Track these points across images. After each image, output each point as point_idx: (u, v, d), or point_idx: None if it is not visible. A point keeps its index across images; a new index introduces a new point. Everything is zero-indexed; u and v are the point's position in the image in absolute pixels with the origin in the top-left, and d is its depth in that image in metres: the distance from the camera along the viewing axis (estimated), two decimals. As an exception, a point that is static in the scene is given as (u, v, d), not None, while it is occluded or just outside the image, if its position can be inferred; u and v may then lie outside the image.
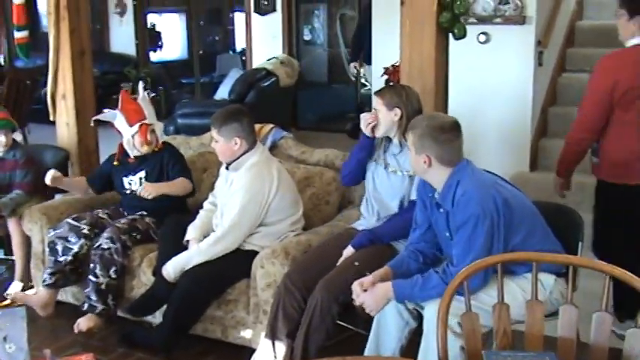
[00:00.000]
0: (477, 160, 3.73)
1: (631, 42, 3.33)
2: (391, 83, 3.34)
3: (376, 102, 3.31)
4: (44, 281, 3.90)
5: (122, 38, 10.85)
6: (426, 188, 2.94)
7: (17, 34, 4.88)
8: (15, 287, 4.26)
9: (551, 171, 3.75)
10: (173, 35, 12.70)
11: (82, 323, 3.70)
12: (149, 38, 11.14)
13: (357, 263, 3.15)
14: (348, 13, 10.18)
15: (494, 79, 5.08)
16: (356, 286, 2.86)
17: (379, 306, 2.81)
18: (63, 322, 3.90)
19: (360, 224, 3.47)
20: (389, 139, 3.35)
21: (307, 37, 10.14)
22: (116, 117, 4.02)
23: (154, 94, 10.15)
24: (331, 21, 10.99)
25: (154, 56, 11.91)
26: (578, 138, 3.46)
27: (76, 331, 3.67)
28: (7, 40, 10.14)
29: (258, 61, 9.39)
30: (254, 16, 9.71)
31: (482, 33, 5.08)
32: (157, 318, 3.69)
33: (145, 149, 3.99)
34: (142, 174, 4.01)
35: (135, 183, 4.03)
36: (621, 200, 3.40)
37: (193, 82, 11.88)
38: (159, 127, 4.06)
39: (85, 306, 3.72)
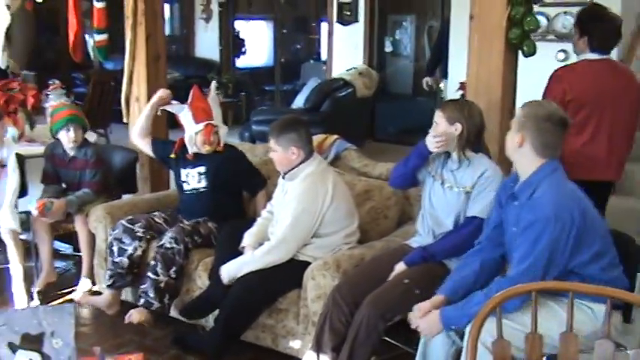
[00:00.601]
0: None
1: (581, 57, 3.85)
2: (456, 98, 3.24)
3: (438, 115, 3.24)
4: (105, 282, 4.00)
5: (207, 44, 11.08)
6: (506, 186, 2.89)
7: (97, 37, 5.02)
8: (83, 284, 4.37)
9: (632, 196, 3.56)
10: (259, 42, 12.89)
11: (135, 315, 3.75)
12: (233, 44, 11.30)
13: (406, 281, 3.10)
14: (435, 25, 10.08)
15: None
16: (415, 311, 2.86)
17: (433, 332, 2.80)
18: (121, 321, 3.98)
19: (415, 241, 3.40)
20: (447, 154, 3.27)
21: (388, 48, 10.09)
22: (183, 110, 4.08)
23: (233, 100, 10.35)
24: (419, 33, 10.94)
25: (240, 62, 12.11)
26: None
27: (126, 321, 3.73)
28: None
29: (338, 70, 9.42)
30: (336, 25, 9.75)
31: (561, 50, 4.96)
32: (209, 322, 3.72)
33: (205, 149, 4.04)
34: (202, 169, 4.07)
35: (193, 177, 4.09)
36: None
37: (278, 89, 12.02)
38: (223, 130, 4.08)
39: (141, 301, 3.77)
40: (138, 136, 4.33)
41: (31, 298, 4.21)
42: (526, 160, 2.75)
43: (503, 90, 3.59)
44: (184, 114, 4.08)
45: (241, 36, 12.07)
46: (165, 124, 4.89)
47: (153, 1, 4.86)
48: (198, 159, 4.10)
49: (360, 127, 8.40)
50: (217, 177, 4.05)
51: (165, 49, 5.07)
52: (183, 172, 4.13)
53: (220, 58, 11.03)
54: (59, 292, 4.38)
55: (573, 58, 4.83)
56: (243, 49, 12.14)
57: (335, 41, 9.88)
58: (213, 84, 4.22)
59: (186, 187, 4.13)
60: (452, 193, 3.24)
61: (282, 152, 3.60)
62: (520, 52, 3.68)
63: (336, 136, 4.42)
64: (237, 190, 4.23)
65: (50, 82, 5.25)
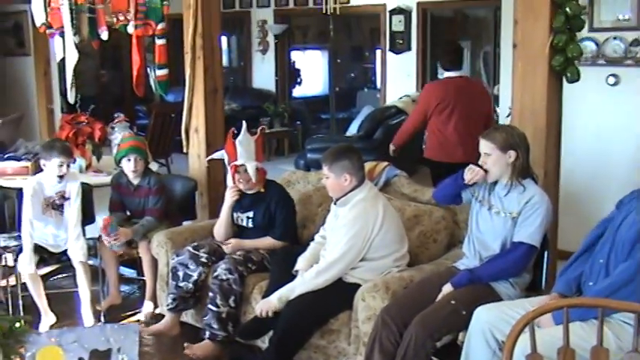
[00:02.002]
0: (605, 203, 3.73)
1: (443, 75, 5.43)
2: (499, 125, 3.35)
3: (486, 146, 3.33)
4: (168, 305, 4.19)
5: (263, 75, 11.35)
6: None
7: (158, 72, 5.25)
8: (146, 307, 4.59)
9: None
10: (315, 72, 13.14)
11: (197, 350, 3.88)
12: (289, 75, 11.55)
13: (453, 302, 3.20)
14: (490, 50, 10.16)
15: (623, 121, 4.97)
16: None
17: (547, 326, 2.80)
18: (184, 341, 4.15)
19: (462, 263, 3.51)
20: (493, 183, 3.38)
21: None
22: (224, 156, 4.29)
23: (289, 129, 10.57)
24: (474, 58, 11.02)
25: (296, 92, 12.36)
26: (407, 128, 5.65)
27: (187, 352, 3.88)
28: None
29: (392, 98, 9.57)
30: (389, 54, 9.93)
31: (612, 75, 5.01)
32: (265, 343, 3.86)
33: (243, 188, 4.21)
34: (250, 214, 4.25)
35: (242, 220, 4.29)
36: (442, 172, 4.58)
37: (333, 117, 12.19)
38: (251, 166, 4.15)
39: (207, 334, 3.92)
40: (224, 231, 4.34)
41: (97, 319, 4.43)
42: None
43: (547, 116, 3.69)
44: (225, 158, 4.29)
45: (297, 66, 12.33)
46: (222, 168, 5.11)
47: (211, 36, 5.11)
48: (246, 203, 4.27)
49: (412, 153, 8.48)
50: (263, 221, 4.22)
51: (223, 82, 5.30)
52: (235, 215, 4.31)
53: (276, 89, 11.28)
54: (124, 315, 4.60)
55: (624, 83, 4.94)
56: (298, 79, 12.39)
57: (388, 69, 10.06)
58: (244, 125, 4.32)
59: (239, 224, 4.33)
60: (499, 218, 3.33)
61: (335, 179, 3.75)
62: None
63: (386, 163, 4.55)
64: (288, 219, 4.34)
65: (115, 116, 5.52)
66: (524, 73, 3.73)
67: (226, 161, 4.26)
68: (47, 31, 5.75)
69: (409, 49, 9.71)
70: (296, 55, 12.34)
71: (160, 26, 5.08)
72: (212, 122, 5.20)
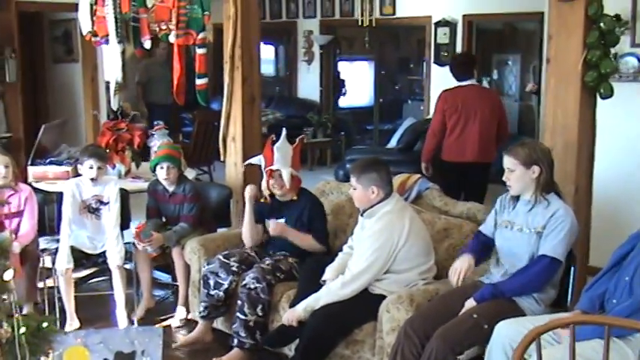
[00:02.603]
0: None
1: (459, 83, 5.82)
2: (521, 141, 3.33)
3: (510, 162, 3.32)
4: (200, 313, 4.25)
5: (308, 85, 11.42)
6: None
7: (198, 81, 5.35)
8: (179, 313, 4.67)
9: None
10: (360, 83, 13.16)
11: None
12: (334, 85, 11.60)
13: (475, 316, 3.19)
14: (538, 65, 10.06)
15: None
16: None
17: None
18: (214, 346, 4.22)
19: (487, 277, 3.49)
20: (516, 198, 3.36)
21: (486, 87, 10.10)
22: (261, 161, 4.34)
23: (331, 139, 10.61)
24: (524, 71, 10.92)
25: (342, 102, 12.41)
26: (428, 138, 5.97)
27: None
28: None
29: (437, 110, 9.53)
30: (433, 66, 9.89)
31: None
32: (292, 351, 3.90)
33: (277, 193, 4.27)
34: (283, 221, 4.28)
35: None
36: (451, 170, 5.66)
37: (377, 129, 12.22)
38: (286, 173, 4.20)
39: (235, 341, 3.98)
40: (252, 235, 4.39)
41: (131, 322, 4.51)
42: None
43: (579, 131, 3.66)
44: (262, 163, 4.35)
45: (342, 77, 12.37)
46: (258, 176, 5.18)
47: (249, 46, 5.19)
48: (278, 210, 4.32)
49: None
50: (295, 223, 4.25)
51: (261, 91, 5.37)
52: (267, 222, 4.35)
53: (320, 99, 11.33)
54: (157, 319, 4.68)
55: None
56: (343, 90, 12.43)
57: (432, 81, 10.02)
58: (284, 131, 4.37)
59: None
60: (522, 235, 3.32)
61: (362, 191, 3.77)
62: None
63: (418, 176, 4.56)
64: (319, 228, 4.38)
65: (155, 123, 5.63)
66: (557, 88, 3.71)
67: (262, 166, 4.32)
68: (93, 40, 5.90)
69: (454, 61, 9.65)
70: (341, 66, 12.39)
71: (201, 36, 5.18)
72: (249, 131, 5.27)
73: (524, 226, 3.32)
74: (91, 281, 5.20)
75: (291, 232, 4.21)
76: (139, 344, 2.87)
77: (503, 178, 3.36)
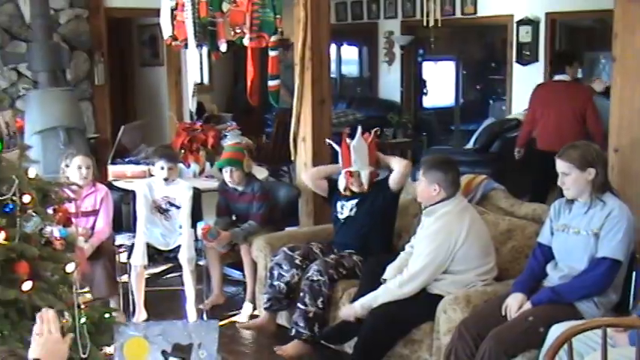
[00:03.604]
0: None
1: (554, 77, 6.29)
2: (572, 143, 3.27)
3: (564, 165, 3.28)
4: (264, 304, 4.36)
5: (389, 85, 11.43)
6: None
7: (270, 83, 5.47)
8: (246, 308, 4.80)
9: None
10: (444, 83, 13.06)
11: (287, 349, 4.04)
12: (415, 86, 11.57)
13: (531, 318, 3.16)
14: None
15: None
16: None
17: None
18: (278, 342, 4.29)
19: (547, 280, 3.44)
20: (570, 201, 3.31)
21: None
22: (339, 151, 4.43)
23: (411, 139, 10.58)
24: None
25: (426, 102, 12.35)
26: (522, 127, 6.52)
27: (278, 352, 4.04)
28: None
29: (518, 110, 9.37)
30: (515, 66, 9.74)
31: None
32: (352, 349, 3.94)
33: (354, 190, 4.32)
34: (355, 201, 4.37)
35: (346, 207, 4.40)
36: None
37: (460, 129, 12.09)
38: (365, 173, 4.30)
39: (293, 331, 4.08)
40: (313, 179, 4.67)
41: (201, 317, 4.67)
42: None
43: (646, 132, 3.56)
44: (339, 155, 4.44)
45: (424, 77, 12.31)
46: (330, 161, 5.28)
47: (320, 48, 5.26)
48: (351, 195, 4.40)
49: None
50: (368, 207, 4.33)
51: (331, 93, 5.44)
52: (339, 203, 4.45)
53: (401, 99, 11.32)
54: (226, 314, 4.82)
55: None
56: (424, 90, 12.36)
57: (514, 81, 9.87)
58: (359, 129, 4.45)
59: (339, 216, 4.44)
60: (579, 238, 3.26)
61: (426, 186, 3.79)
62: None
63: (484, 176, 4.52)
64: (386, 222, 4.45)
65: (228, 124, 5.79)
66: (623, 87, 3.62)
67: (340, 164, 4.42)
68: (173, 43, 6.12)
69: (537, 60, 9.48)
70: (425, 66, 12.33)
71: (273, 38, 5.29)
72: (319, 132, 5.34)
73: (581, 228, 3.26)
74: (166, 277, 5.39)
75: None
76: (196, 337, 2.95)
77: (559, 183, 3.31)
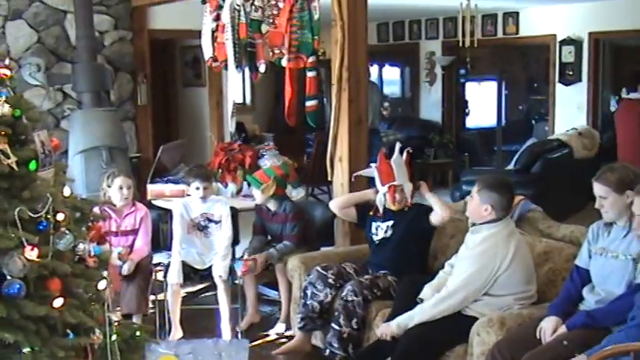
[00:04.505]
0: None
1: None
2: (609, 166, 3.22)
3: (601, 189, 3.23)
4: (298, 324, 4.36)
5: (430, 105, 11.40)
6: None
7: (308, 103, 5.49)
8: (278, 328, 4.81)
9: None
10: (486, 103, 12.96)
11: None
12: (456, 106, 11.51)
13: (565, 343, 3.10)
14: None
15: None
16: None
17: None
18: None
19: (581, 304, 3.37)
20: (609, 224, 3.25)
21: (614, 107, 9.74)
22: (373, 174, 4.41)
23: (452, 160, 10.51)
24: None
25: (469, 123, 12.28)
26: None
27: None
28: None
29: (561, 131, 9.26)
30: (558, 86, 9.64)
31: None
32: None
33: (394, 207, 4.31)
34: (390, 223, 4.35)
35: (382, 229, 4.38)
36: None
37: (502, 150, 11.97)
38: (408, 187, 4.30)
39: (327, 352, 4.08)
40: (340, 208, 4.69)
41: (235, 336, 4.69)
42: None
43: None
44: (375, 176, 4.42)
45: (466, 97, 12.24)
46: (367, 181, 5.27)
47: (357, 69, 5.26)
48: (388, 215, 4.38)
49: (579, 189, 8.16)
50: (404, 229, 4.30)
51: (367, 115, 5.43)
52: (374, 224, 4.43)
53: (442, 119, 11.28)
54: (261, 334, 4.82)
55: None
56: (466, 110, 12.29)
57: (557, 101, 9.77)
58: (397, 146, 4.46)
59: (374, 237, 4.43)
60: (618, 262, 3.21)
61: (478, 204, 3.76)
62: None
63: (521, 197, 4.46)
64: (422, 244, 4.42)
65: (266, 144, 5.83)
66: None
67: (377, 181, 4.40)
68: (213, 65, 6.21)
69: (580, 80, 9.38)
70: (468, 86, 12.28)
71: (311, 59, 5.32)
72: (356, 152, 5.32)
73: (620, 252, 3.20)
74: (202, 295, 5.43)
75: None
76: (226, 356, 2.98)
77: (596, 206, 3.27)
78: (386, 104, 8.43)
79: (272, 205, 4.91)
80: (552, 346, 3.13)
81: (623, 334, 2.87)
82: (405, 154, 4.45)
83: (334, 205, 4.73)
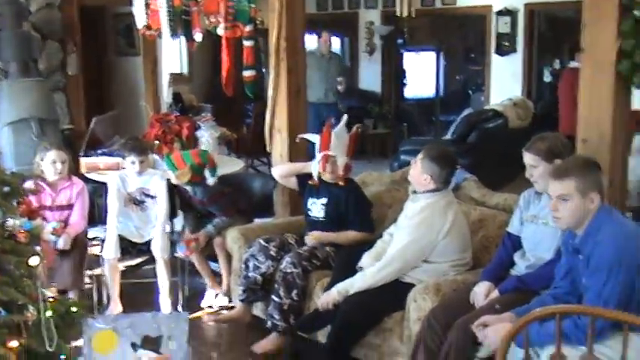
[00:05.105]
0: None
1: None
2: (570, 159, 3.18)
3: (531, 158, 3.30)
4: (239, 296, 4.36)
5: (370, 76, 11.42)
6: (567, 241, 2.92)
7: (246, 73, 5.45)
8: (220, 301, 4.81)
9: None
10: (424, 74, 13.08)
11: (264, 345, 4.07)
12: (395, 76, 11.57)
13: (497, 306, 3.16)
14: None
15: None
16: (480, 322, 2.95)
17: (499, 343, 2.73)
18: (251, 334, 4.31)
19: (514, 269, 3.46)
20: (539, 193, 3.34)
21: (547, 78, 9.94)
22: (316, 141, 4.42)
23: (391, 131, 10.58)
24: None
25: (408, 93, 12.36)
26: None
27: (255, 350, 4.06)
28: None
29: (497, 101, 9.41)
30: (494, 56, 9.78)
31: None
32: (325, 338, 3.95)
33: (327, 177, 4.32)
34: (324, 201, 4.35)
35: (316, 206, 4.39)
36: None
37: (440, 120, 12.13)
38: (341, 161, 4.29)
39: (269, 324, 4.09)
40: (282, 176, 4.71)
41: (175, 309, 4.66)
42: (583, 212, 2.78)
43: (613, 122, 3.57)
44: (317, 143, 4.42)
45: (404, 67, 12.32)
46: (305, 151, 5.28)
47: (294, 38, 5.24)
48: (322, 191, 4.39)
49: (513, 158, 8.32)
50: (335, 211, 4.31)
51: (306, 83, 5.42)
52: (310, 200, 4.44)
53: (382, 90, 11.33)
54: (199, 306, 4.82)
55: None
56: (405, 81, 12.37)
57: (493, 72, 9.91)
58: (344, 118, 4.46)
59: (309, 214, 4.44)
60: (547, 229, 3.28)
61: (419, 173, 3.79)
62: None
63: (457, 167, 4.52)
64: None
65: (203, 115, 5.76)
66: (592, 78, 3.63)
67: (317, 148, 4.40)
68: (147, 33, 6.07)
69: (515, 50, 9.53)
70: (407, 57, 12.34)
71: (248, 28, 5.26)
72: (295, 122, 5.31)
73: (549, 220, 3.26)
74: (144, 268, 5.37)
75: (328, 236, 4.29)
76: (166, 329, 2.94)
77: (527, 175, 3.33)
78: (340, 78, 8.27)
79: (188, 189, 4.86)
80: (485, 310, 3.19)
81: (550, 297, 2.96)
82: (354, 129, 4.44)
83: (276, 172, 4.75)
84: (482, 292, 3.32)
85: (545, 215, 3.29)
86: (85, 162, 5.48)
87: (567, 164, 2.94)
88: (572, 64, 6.61)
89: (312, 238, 4.29)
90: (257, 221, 5.01)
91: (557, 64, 10.56)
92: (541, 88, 9.89)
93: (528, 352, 2.10)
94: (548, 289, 3.19)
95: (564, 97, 6.68)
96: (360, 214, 4.32)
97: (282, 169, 4.76)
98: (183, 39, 5.73)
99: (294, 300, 4.06)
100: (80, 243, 4.60)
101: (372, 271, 3.75)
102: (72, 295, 4.35)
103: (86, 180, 5.04)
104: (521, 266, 3.40)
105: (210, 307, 4.82)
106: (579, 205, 2.77)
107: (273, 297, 4.09)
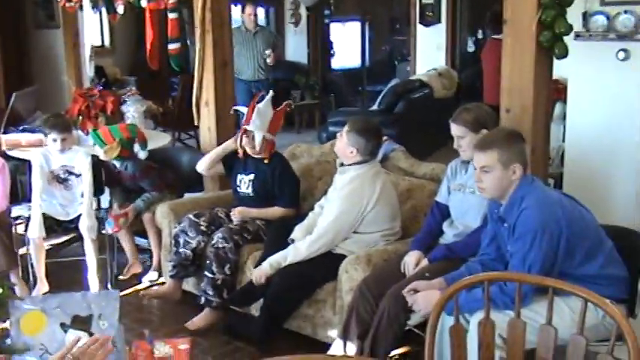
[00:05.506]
0: (613, 183, 3.80)
1: None
2: (496, 130, 3.25)
3: (458, 129, 3.36)
4: (169, 272, 4.33)
5: (296, 47, 11.39)
6: (492, 209, 3.00)
7: (170, 46, 5.37)
8: (150, 276, 4.76)
9: None
10: (351, 44, 13.12)
11: (198, 321, 4.06)
12: (322, 47, 11.57)
13: (427, 274, 3.24)
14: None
15: (633, 96, 4.88)
16: (411, 287, 3.03)
17: (429, 309, 2.87)
18: (183, 309, 4.30)
19: (443, 238, 3.54)
20: (466, 162, 3.41)
21: (471, 48, 10.11)
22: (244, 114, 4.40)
23: (318, 102, 10.59)
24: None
25: (334, 64, 12.37)
26: None
27: (189, 327, 4.03)
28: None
29: (422, 71, 9.53)
30: (419, 26, 9.87)
31: (622, 50, 4.90)
32: (259, 311, 3.98)
33: (248, 151, 4.30)
34: (252, 177, 4.34)
35: (244, 183, 4.37)
36: None
37: (367, 90, 12.22)
38: (259, 136, 4.23)
39: (202, 299, 4.08)
40: (208, 168, 4.59)
41: (105, 287, 4.60)
42: (505, 183, 2.86)
43: (535, 91, 3.67)
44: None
45: (331, 38, 12.33)
46: (234, 125, 5.25)
47: (220, 10, 5.17)
48: (250, 167, 4.37)
49: (439, 127, 8.45)
50: (262, 187, 4.31)
51: (233, 56, 5.37)
52: (238, 177, 4.42)
53: (308, 61, 11.32)
54: (130, 283, 4.76)
55: (634, 58, 4.84)
56: (331, 52, 12.39)
57: (418, 42, 10.01)
58: (269, 94, 4.42)
59: (238, 190, 4.42)
60: (474, 198, 3.36)
61: (345, 145, 3.81)
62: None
63: (385, 138, 4.57)
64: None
65: (128, 89, 5.65)
66: (513, 49, 3.71)
67: (242, 122, 4.38)
68: (67, 5, 5.90)
69: (439, 21, 9.64)
70: (333, 28, 12.33)
71: (172, 0, 5.18)
72: (222, 96, 5.27)
73: (475, 188, 3.35)
74: (71, 246, 5.27)
75: (253, 211, 4.29)
76: (96, 308, 2.90)
77: (454, 146, 3.40)
78: (268, 51, 7.97)
79: (117, 164, 4.79)
80: (415, 279, 3.25)
81: (478, 264, 3.05)
82: (282, 105, 4.41)
83: (201, 168, 4.61)
84: (412, 262, 3.39)
85: (472, 184, 3.37)
86: (5, 139, 5.30)
87: (491, 136, 3.02)
88: (497, 36, 6.70)
89: (237, 213, 4.28)
90: (187, 196, 4.96)
91: (480, 34, 10.72)
92: (465, 58, 10.04)
93: (458, 319, 2.16)
94: (475, 256, 3.31)
95: (488, 68, 6.78)
96: (286, 190, 4.33)
97: (205, 162, 4.58)
98: (103, 11, 5.60)
99: (226, 275, 4.06)
100: (5, 223, 4.47)
101: (304, 243, 3.78)
102: (13, 277, 4.25)
103: (7, 157, 4.89)
104: (449, 234, 3.49)
105: (141, 283, 4.76)
106: (502, 176, 2.84)
107: (206, 272, 4.07)
